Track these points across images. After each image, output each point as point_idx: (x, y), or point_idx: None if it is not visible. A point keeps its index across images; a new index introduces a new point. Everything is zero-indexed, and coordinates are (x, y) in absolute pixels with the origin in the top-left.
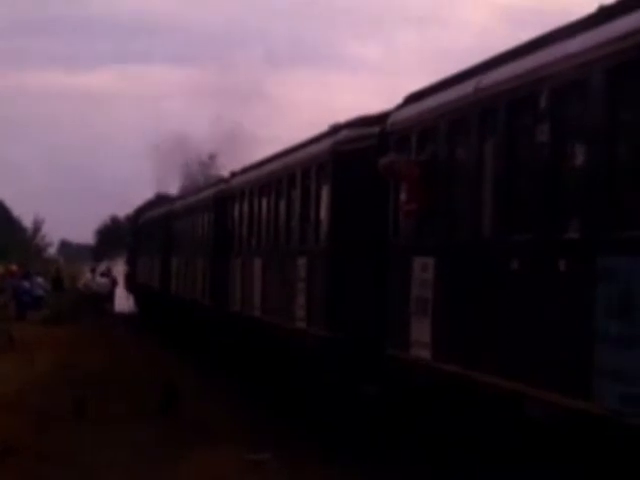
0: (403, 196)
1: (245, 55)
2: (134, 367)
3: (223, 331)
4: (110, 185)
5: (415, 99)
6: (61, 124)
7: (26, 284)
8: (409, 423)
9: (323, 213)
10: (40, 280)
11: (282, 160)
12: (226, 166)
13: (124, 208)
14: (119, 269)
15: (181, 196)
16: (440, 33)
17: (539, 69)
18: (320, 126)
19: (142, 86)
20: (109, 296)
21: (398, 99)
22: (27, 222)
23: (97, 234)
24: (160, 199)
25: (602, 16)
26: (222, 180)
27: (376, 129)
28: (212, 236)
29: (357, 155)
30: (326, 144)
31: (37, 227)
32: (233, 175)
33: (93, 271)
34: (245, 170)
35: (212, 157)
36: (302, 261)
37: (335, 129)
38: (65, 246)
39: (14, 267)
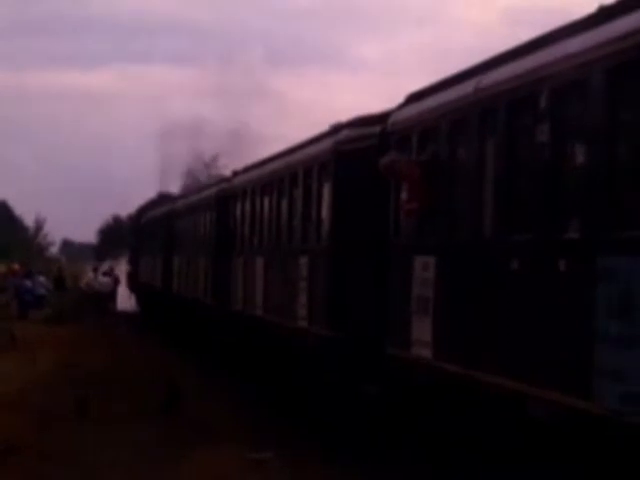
0: (404, 195)
1: (246, 55)
2: (136, 366)
3: (225, 330)
4: (112, 184)
5: (416, 99)
6: (63, 124)
7: (28, 283)
8: (410, 422)
9: (324, 212)
10: (42, 279)
11: (284, 159)
12: (228, 166)
13: (126, 207)
14: (122, 268)
15: (183, 195)
16: (441, 33)
17: (539, 69)
18: (322, 126)
19: (144, 86)
20: (111, 295)
21: (399, 99)
22: (29, 221)
23: (99, 233)
24: (162, 198)
25: (602, 16)
26: (224, 179)
27: (377, 129)
28: (214, 235)
29: (358, 155)
30: (327, 144)
31: (39, 226)
32: (235, 174)
33: (95, 270)
34: (247, 169)
35: (214, 158)
36: (304, 260)
37: (336, 129)
38: (67, 245)
39: (16, 266)
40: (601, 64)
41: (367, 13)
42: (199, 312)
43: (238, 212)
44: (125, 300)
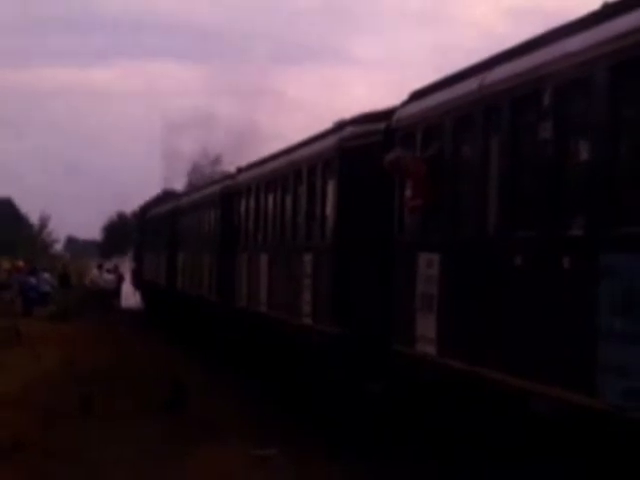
0: (408, 192)
1: (250, 53)
2: (140, 363)
3: (229, 327)
4: (117, 181)
5: (420, 96)
6: (68, 121)
7: (33, 280)
8: (415, 419)
9: (329, 209)
10: (47, 276)
11: (288, 156)
12: (233, 163)
13: (131, 204)
14: (127, 265)
15: (187, 192)
16: (446, 30)
17: (543, 67)
18: (326, 123)
19: (149, 83)
20: (116, 292)
21: (403, 96)
22: (34, 218)
23: (104, 230)
24: (166, 195)
25: (605, 14)
26: (228, 176)
27: (381, 125)
28: (218, 232)
29: (362, 151)
30: (332, 140)
31: (43, 223)
32: (239, 171)
33: (100, 267)
34: (251, 166)
35: (218, 158)
36: (308, 257)
37: (340, 125)
38: (72, 242)
39: (21, 263)
40: (604, 62)
41: (370, 11)
42: (203, 309)
43: (242, 209)
44: (130, 297)
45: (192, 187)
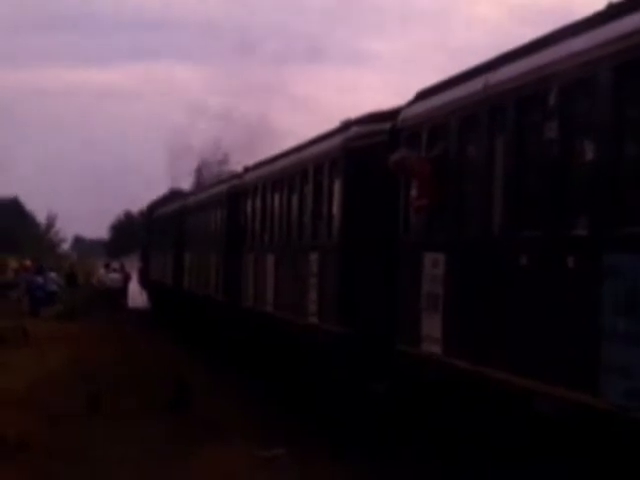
0: (414, 192)
1: (259, 51)
2: (146, 363)
3: (235, 327)
4: (124, 181)
5: (426, 96)
6: (75, 120)
7: (39, 279)
8: (419, 418)
9: (335, 209)
10: (53, 275)
11: (294, 156)
12: (240, 162)
13: (138, 204)
14: (134, 264)
15: (194, 192)
16: (451, 30)
17: (548, 67)
18: (333, 122)
19: (157, 82)
20: (122, 291)
21: (409, 95)
22: (41, 218)
23: (111, 230)
24: (173, 194)
25: (610, 14)
26: (235, 175)
27: (387, 125)
28: (225, 232)
29: (368, 151)
30: (337, 140)
31: (50, 222)
32: (246, 170)
33: (107, 266)
34: (258, 166)
35: (226, 156)
36: (314, 257)
37: (346, 125)
38: (79, 242)
39: (28, 262)
40: (609, 62)
41: (378, 10)
42: (210, 309)
43: (249, 209)
44: (136, 297)
45: (200, 186)
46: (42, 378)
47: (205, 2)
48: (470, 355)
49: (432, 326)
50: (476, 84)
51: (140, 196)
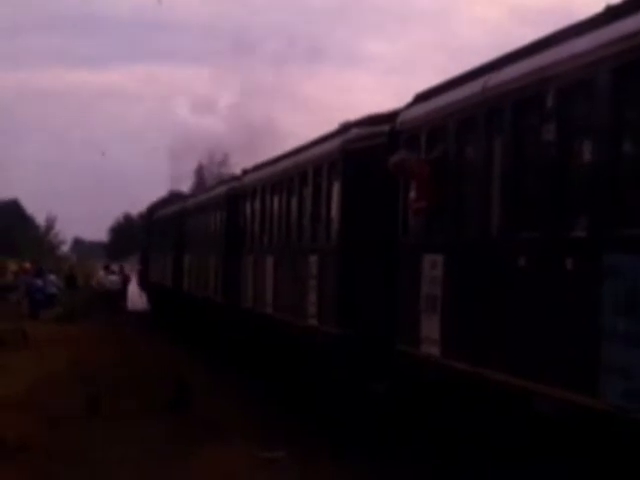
0: (412, 194)
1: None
2: (145, 364)
3: (235, 328)
4: (123, 183)
5: (424, 98)
6: (74, 122)
7: (39, 282)
8: (419, 419)
9: (334, 211)
10: (53, 277)
11: (293, 158)
12: (239, 164)
13: (137, 206)
14: (134, 267)
15: (194, 194)
16: (450, 31)
17: (546, 68)
18: (333, 123)
19: (157, 84)
20: (122, 293)
21: (408, 97)
22: (40, 220)
23: (110, 232)
24: (173, 196)
25: (609, 16)
26: (234, 178)
27: (386, 127)
28: (224, 234)
29: (367, 153)
30: (336, 142)
31: (50, 225)
32: (245, 173)
33: (107, 268)
34: (257, 168)
35: (225, 157)
36: (313, 258)
37: (345, 127)
38: (78, 244)
39: (27, 264)
40: (607, 64)
41: (378, 10)
42: (209, 310)
43: (248, 211)
44: (136, 300)
45: (199, 187)
46: (42, 380)
47: (205, 2)
48: (468, 356)
49: (431, 327)
50: (474, 86)
51: (140, 198)
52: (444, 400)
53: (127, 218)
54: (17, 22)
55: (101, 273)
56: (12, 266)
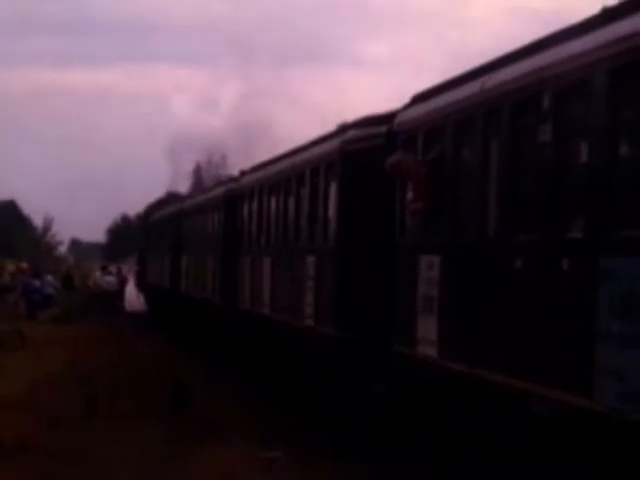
0: (410, 195)
1: (258, 52)
2: (144, 365)
3: (233, 329)
4: (121, 184)
5: (422, 99)
6: (72, 123)
7: (36, 282)
8: (418, 419)
9: (331, 212)
10: (50, 278)
11: (291, 159)
12: (237, 165)
13: (135, 207)
14: (132, 268)
15: (191, 195)
16: (450, 32)
17: (543, 70)
18: (331, 124)
19: (155, 85)
20: (119, 294)
21: (406, 99)
22: (38, 220)
23: (108, 233)
24: (170, 197)
25: (605, 17)
26: (232, 179)
27: (383, 129)
28: (222, 235)
29: (364, 154)
30: (334, 143)
31: (47, 225)
32: (242, 174)
33: (104, 269)
34: (254, 169)
35: (223, 158)
36: (311, 259)
37: (343, 128)
38: (75, 245)
39: (25, 265)
40: (604, 65)
41: (375, 11)
42: (207, 311)
43: (245, 212)
44: (134, 300)
45: (197, 188)
46: (40, 381)
47: (205, 2)
48: (465, 357)
49: (427, 328)
50: (472, 87)
51: (137, 199)
52: (443, 400)
53: (124, 219)
54: (17, 22)
55: (98, 274)
56: (9, 267)
